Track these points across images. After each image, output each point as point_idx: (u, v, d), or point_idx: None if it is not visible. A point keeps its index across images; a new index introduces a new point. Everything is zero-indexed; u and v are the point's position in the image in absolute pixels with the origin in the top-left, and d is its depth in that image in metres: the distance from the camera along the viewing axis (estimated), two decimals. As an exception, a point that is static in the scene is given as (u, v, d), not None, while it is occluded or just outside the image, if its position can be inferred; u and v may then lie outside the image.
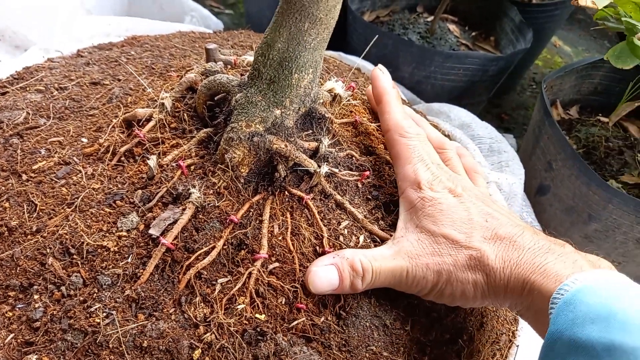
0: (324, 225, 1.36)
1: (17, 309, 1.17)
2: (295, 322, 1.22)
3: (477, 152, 2.11)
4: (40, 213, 1.32)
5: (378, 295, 1.32)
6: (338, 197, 1.41)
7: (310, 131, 1.43)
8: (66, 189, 1.37)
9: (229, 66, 1.63)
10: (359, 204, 1.44)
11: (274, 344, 1.18)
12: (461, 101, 2.76)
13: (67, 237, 1.26)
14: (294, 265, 1.29)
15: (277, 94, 1.30)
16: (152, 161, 1.35)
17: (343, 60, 2.51)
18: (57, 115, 1.61)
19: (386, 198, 1.49)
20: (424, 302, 1.36)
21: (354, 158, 1.50)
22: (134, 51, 1.96)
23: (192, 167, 1.38)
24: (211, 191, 1.33)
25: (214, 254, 1.25)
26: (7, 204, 1.34)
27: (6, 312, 1.16)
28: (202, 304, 1.20)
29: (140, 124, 1.47)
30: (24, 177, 1.41)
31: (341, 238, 1.36)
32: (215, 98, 1.42)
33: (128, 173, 1.40)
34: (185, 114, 1.48)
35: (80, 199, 1.34)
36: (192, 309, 1.19)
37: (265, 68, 1.29)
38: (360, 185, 1.47)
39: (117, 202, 1.34)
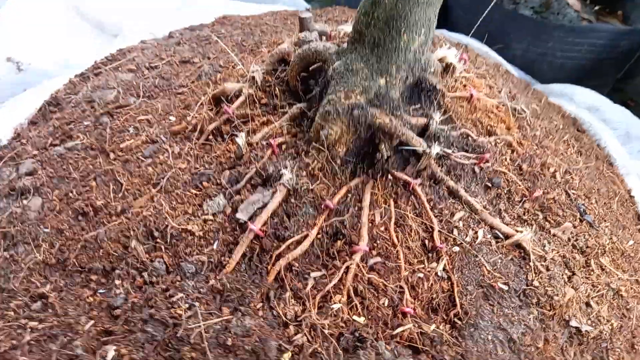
0: (435, 215, 1.15)
1: (99, 295, 1.09)
2: (401, 329, 1.03)
3: (611, 139, 1.77)
4: (126, 193, 1.24)
5: (502, 302, 1.09)
6: (451, 183, 1.19)
7: (419, 105, 1.23)
8: (152, 168, 1.27)
9: (325, 38, 1.47)
10: (476, 192, 1.21)
11: (374, 352, 0.99)
12: (584, 82, 2.39)
13: (151, 219, 1.17)
14: (399, 262, 1.09)
15: (382, 59, 1.11)
16: (241, 139, 1.21)
17: (448, 38, 2.26)
18: (146, 93, 1.54)
19: (510, 186, 1.25)
20: (560, 311, 1.10)
21: (469, 138, 1.27)
22: (225, 29, 1.87)
23: (284, 147, 1.23)
24: (304, 173, 1.16)
25: (306, 243, 1.08)
26: (94, 183, 1.27)
27: (87, 297, 1.07)
28: (292, 300, 1.04)
29: (229, 100, 1.35)
30: (112, 155, 1.34)
31: (455, 232, 1.14)
32: (311, 69, 1.26)
33: (216, 152, 1.28)
34: (277, 88, 1.33)
35: (166, 179, 1.24)
36: (282, 306, 1.03)
37: (369, 29, 1.10)
38: (478, 170, 1.23)
39: (204, 183, 1.22)
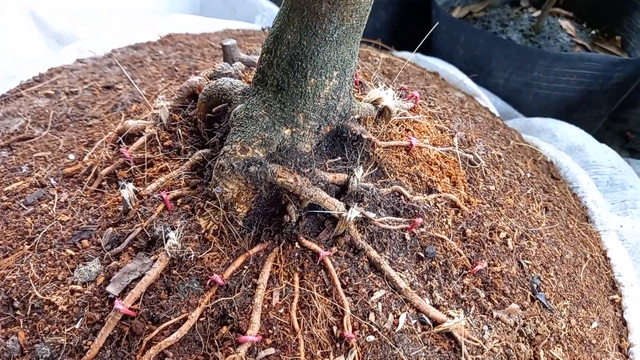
0: (348, 294, 0.95)
1: None
2: None
3: (591, 186, 1.56)
4: (-4, 249, 1.05)
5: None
6: (374, 253, 0.99)
7: (340, 158, 1.03)
8: (31, 219, 1.09)
9: (252, 68, 1.28)
10: (404, 264, 1.01)
11: None
12: (572, 116, 2.17)
13: (14, 284, 0.98)
14: (298, 354, 0.89)
15: (286, 106, 0.92)
16: (127, 191, 1.02)
17: (419, 62, 2.06)
18: (55, 124, 1.36)
19: (447, 257, 1.04)
20: None
21: (402, 197, 1.07)
22: (163, 50, 1.69)
23: (179, 201, 1.04)
24: (196, 236, 0.97)
25: (185, 328, 0.89)
26: (-35, 234, 1.09)
27: None
28: (161, 400, 0.85)
29: (130, 140, 1.17)
30: (-5, 200, 1.16)
31: (371, 316, 0.94)
32: (214, 110, 1.07)
33: (105, 203, 1.09)
34: (182, 129, 1.14)
35: (42, 234, 1.05)
36: (146, 408, 0.84)
37: (271, 69, 0.91)
38: (409, 238, 1.03)
39: (83, 241, 1.04)
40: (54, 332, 0.92)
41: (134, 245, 0.99)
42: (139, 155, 1.13)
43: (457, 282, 1.02)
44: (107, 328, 0.89)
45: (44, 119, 1.39)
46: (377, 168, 1.08)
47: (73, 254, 1.02)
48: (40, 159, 1.24)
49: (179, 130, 1.12)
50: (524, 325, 1.02)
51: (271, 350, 0.89)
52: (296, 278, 0.95)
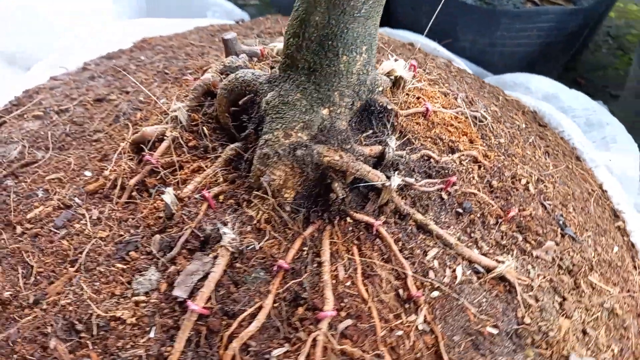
0: (405, 258, 0.99)
1: (12, 417, 0.88)
2: (385, 404, 0.87)
3: (574, 128, 1.68)
4: (38, 277, 1.02)
5: (495, 350, 0.95)
6: (419, 216, 1.04)
7: (371, 131, 1.07)
8: (67, 241, 1.06)
9: (256, 59, 1.29)
10: (447, 222, 1.07)
11: None
12: (535, 69, 2.30)
13: (71, 308, 0.96)
14: (373, 320, 0.93)
15: (321, 86, 0.94)
16: (169, 195, 1.02)
17: (391, 36, 2.11)
18: (57, 145, 1.31)
19: (482, 209, 1.11)
20: (558, 347, 0.98)
21: (431, 160, 1.12)
22: (144, 55, 1.65)
23: (222, 197, 1.05)
24: (249, 228, 0.99)
25: (262, 316, 0.91)
26: (-2, 269, 1.05)
27: None
28: (254, 389, 0.87)
29: (151, 146, 1.15)
30: (19, 229, 1.11)
31: (431, 274, 0.99)
32: (241, 102, 1.08)
33: (142, 212, 1.08)
34: (205, 127, 1.14)
35: (85, 253, 1.03)
36: (241, 399, 0.86)
37: (301, 52, 0.93)
38: (446, 197, 1.09)
39: (131, 253, 1.02)
40: (128, 346, 0.91)
41: (187, 247, 0.99)
42: (166, 160, 1.12)
43: (496, 231, 1.09)
44: (185, 331, 0.89)
45: (42, 141, 1.34)
46: (402, 136, 1.13)
47: (124, 267, 1.01)
48: (55, 181, 1.20)
49: (204, 128, 1.12)
50: (561, 259, 1.11)
51: (348, 322, 0.92)
52: (355, 250, 0.99)
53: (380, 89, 1.06)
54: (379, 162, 1.05)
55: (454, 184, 1.10)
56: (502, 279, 1.02)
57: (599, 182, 1.52)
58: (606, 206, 1.43)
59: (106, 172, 1.17)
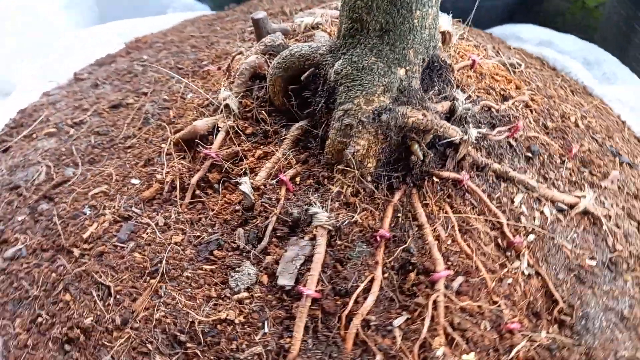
0: (497, 207, 0.99)
1: None
2: (515, 351, 0.87)
3: (580, 68, 1.72)
4: (118, 296, 0.95)
5: (597, 280, 0.97)
6: (496, 166, 1.04)
7: (436, 88, 1.05)
8: (140, 253, 0.99)
9: (287, 36, 1.23)
10: (522, 167, 1.07)
11: (499, 390, 0.83)
12: (514, 19, 2.35)
13: (168, 320, 0.90)
14: (481, 273, 0.92)
15: (396, 46, 0.91)
16: (246, 185, 0.97)
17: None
18: (85, 158, 1.22)
19: (547, 150, 1.12)
20: None
21: (492, 110, 1.12)
22: (146, 54, 1.56)
23: (298, 179, 1.01)
24: (337, 204, 0.95)
25: (375, 288, 0.88)
26: (67, 296, 0.97)
27: None
28: (385, 363, 0.85)
29: (203, 141, 1.09)
30: (76, 252, 1.03)
31: (522, 219, 1.00)
32: (303, 77, 1.03)
33: (213, 209, 1.02)
34: (260, 112, 1.09)
35: (164, 262, 0.96)
36: (377, 375, 0.83)
37: (371, 14, 0.89)
38: (514, 143, 1.09)
39: (214, 252, 0.97)
40: (244, 346, 0.86)
41: (277, 235, 0.95)
42: (226, 152, 1.06)
43: (564, 169, 1.11)
44: (301, 318, 0.86)
45: (66, 157, 1.23)
46: (460, 90, 1.12)
47: (212, 267, 0.95)
48: (100, 196, 1.11)
49: (260, 113, 1.07)
50: (626, 185, 1.14)
51: (460, 279, 0.91)
52: (448, 209, 0.97)
53: (440, 44, 1.04)
54: (448, 118, 1.03)
55: (519, 129, 1.10)
56: (585, 213, 1.04)
57: (616, 114, 1.57)
58: (631, 136, 1.49)
59: (159, 176, 1.09)
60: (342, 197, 0.96)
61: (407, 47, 0.92)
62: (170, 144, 1.14)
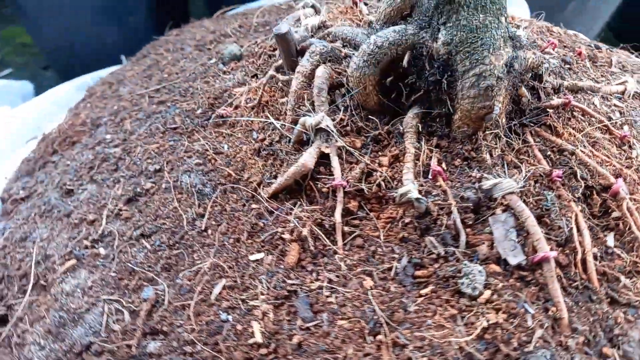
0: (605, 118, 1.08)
1: None
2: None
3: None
4: (356, 376, 0.78)
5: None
6: (566, 82, 1.12)
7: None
8: (346, 320, 0.83)
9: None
10: (572, 76, 1.19)
11: None
12: None
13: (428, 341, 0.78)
14: (625, 172, 1.01)
15: (493, -3, 0.91)
16: (414, 192, 0.88)
17: None
18: (164, 272, 0.95)
19: (573, 57, 1.25)
20: None
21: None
22: (119, 136, 1.25)
23: (444, 165, 0.95)
24: (499, 168, 0.93)
25: (582, 224, 0.90)
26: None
27: None
28: None
29: (317, 173, 0.95)
30: (254, 364, 0.81)
31: (611, 115, 1.11)
32: (405, 62, 0.95)
33: (378, 235, 0.90)
34: (355, 121, 0.99)
35: (379, 313, 0.82)
36: None
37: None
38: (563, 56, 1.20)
39: (417, 274, 0.86)
40: (523, 339, 0.80)
41: (467, 224, 0.89)
42: (351, 175, 0.94)
43: (590, 67, 1.26)
44: (553, 282, 0.83)
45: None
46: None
47: (428, 290, 0.85)
48: (226, 294, 0.89)
49: (356, 122, 0.97)
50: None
51: (621, 182, 0.98)
52: (571, 130, 1.03)
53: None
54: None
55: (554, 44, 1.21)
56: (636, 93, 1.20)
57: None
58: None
59: (287, 235, 0.92)
60: (501, 160, 0.94)
61: (502, -5, 0.92)
62: (264, 199, 0.97)
